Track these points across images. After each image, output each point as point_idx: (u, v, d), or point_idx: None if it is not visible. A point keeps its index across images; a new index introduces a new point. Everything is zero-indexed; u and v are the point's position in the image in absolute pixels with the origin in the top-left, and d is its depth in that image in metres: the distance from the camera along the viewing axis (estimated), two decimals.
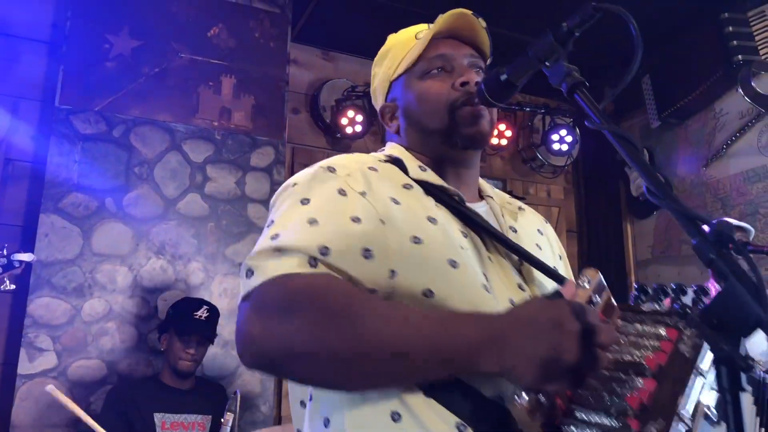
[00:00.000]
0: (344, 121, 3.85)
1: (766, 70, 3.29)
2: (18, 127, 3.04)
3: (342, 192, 0.94)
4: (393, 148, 1.13)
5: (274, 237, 0.87)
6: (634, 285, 1.42)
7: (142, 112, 3.11)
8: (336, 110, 3.89)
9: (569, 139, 4.27)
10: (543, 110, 4.36)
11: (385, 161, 1.06)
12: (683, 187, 3.86)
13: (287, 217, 0.91)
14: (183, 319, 2.45)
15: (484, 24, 1.10)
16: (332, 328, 0.78)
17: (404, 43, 1.15)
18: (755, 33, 3.44)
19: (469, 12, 1.08)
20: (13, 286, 2.24)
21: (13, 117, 3.03)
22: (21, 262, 2.26)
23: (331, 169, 0.97)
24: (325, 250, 0.85)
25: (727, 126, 3.65)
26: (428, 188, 1.02)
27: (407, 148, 1.12)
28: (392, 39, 1.20)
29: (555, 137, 4.26)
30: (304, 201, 0.93)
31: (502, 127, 4.24)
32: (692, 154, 3.86)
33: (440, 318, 0.84)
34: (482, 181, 1.19)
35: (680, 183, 3.88)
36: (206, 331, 2.51)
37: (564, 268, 1.17)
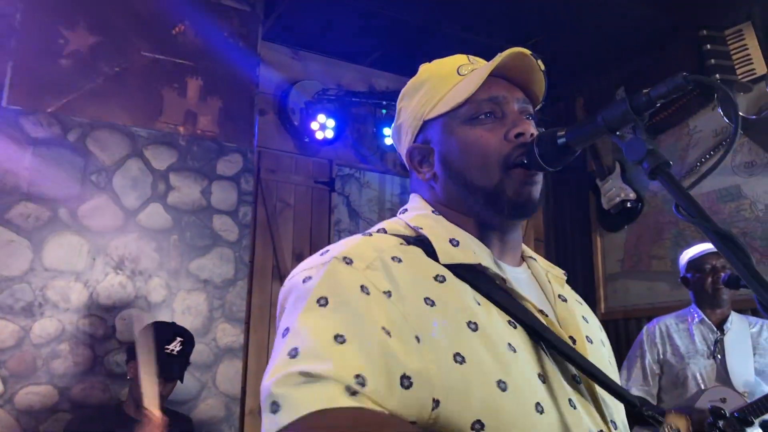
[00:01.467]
0: (314, 125, 3.69)
1: (746, 92, 3.28)
2: None
3: (365, 289, 0.80)
4: (419, 213, 0.98)
5: (293, 353, 0.73)
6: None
7: (100, 115, 2.87)
8: (306, 113, 3.72)
9: None
10: None
11: (410, 242, 0.90)
12: (655, 202, 3.85)
13: (304, 323, 0.77)
14: None
15: (542, 67, 0.97)
16: None
17: (444, 78, 0.99)
18: (732, 52, 3.44)
19: (529, 52, 0.95)
20: None
21: None
22: None
23: (347, 260, 0.83)
24: (361, 380, 0.71)
25: (700, 143, 3.65)
26: (461, 273, 0.87)
27: (442, 205, 0.98)
28: (427, 70, 1.03)
29: None
30: (322, 301, 0.78)
31: None
32: None
33: None
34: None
35: (652, 198, 3.87)
36: (176, 367, 2.32)
37: (608, 353, 1.05)
